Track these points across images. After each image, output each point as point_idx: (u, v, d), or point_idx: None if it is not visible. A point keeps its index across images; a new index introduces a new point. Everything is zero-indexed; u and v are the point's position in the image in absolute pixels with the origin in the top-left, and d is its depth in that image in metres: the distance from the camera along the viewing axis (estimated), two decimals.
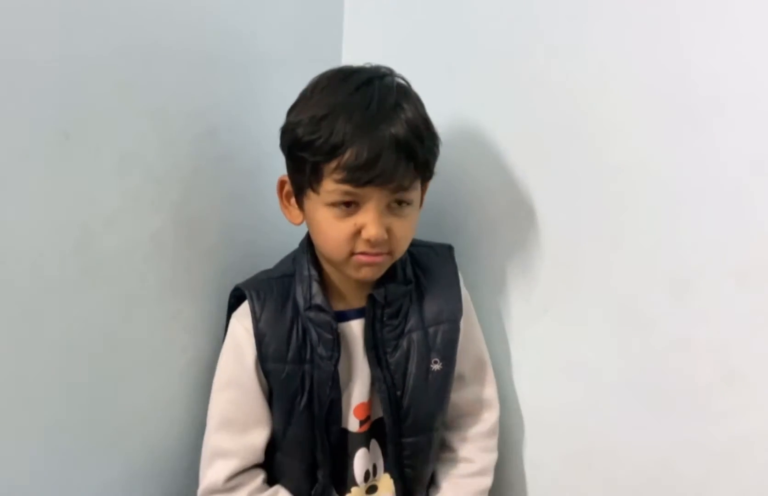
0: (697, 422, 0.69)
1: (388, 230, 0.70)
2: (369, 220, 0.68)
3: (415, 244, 0.82)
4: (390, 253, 0.72)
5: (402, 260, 0.78)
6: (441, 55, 0.87)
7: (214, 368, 0.80)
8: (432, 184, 0.83)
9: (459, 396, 0.84)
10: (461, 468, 0.84)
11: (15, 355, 0.65)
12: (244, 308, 0.76)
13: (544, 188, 0.79)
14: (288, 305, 0.76)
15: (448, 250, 0.84)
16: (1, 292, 0.63)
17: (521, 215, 0.82)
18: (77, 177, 0.68)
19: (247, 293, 0.76)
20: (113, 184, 0.71)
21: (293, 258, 0.80)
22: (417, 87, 0.75)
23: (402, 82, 0.73)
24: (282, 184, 0.76)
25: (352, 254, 0.71)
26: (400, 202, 0.70)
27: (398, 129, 0.66)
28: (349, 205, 0.69)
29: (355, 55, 0.86)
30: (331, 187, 0.68)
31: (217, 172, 0.83)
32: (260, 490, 0.77)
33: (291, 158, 0.72)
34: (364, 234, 0.69)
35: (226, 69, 0.82)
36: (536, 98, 0.78)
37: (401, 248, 0.73)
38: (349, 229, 0.69)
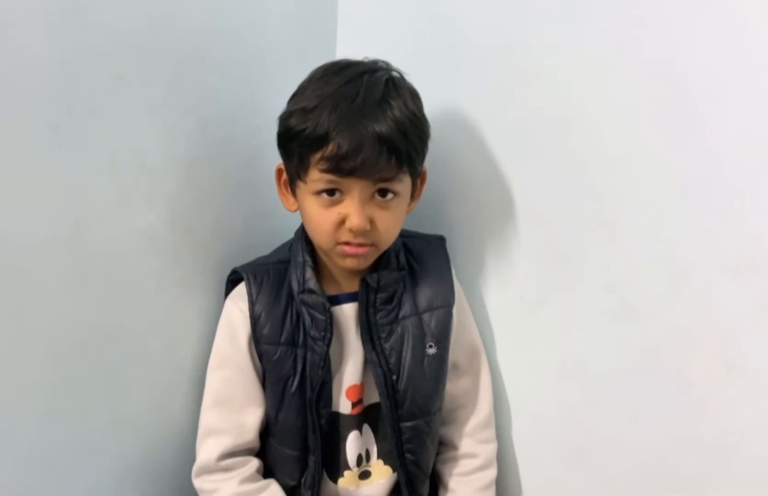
0: (694, 416, 0.69)
1: (372, 221, 0.72)
2: (352, 210, 0.70)
3: (407, 235, 0.84)
4: (374, 244, 0.74)
5: (395, 248, 0.80)
6: (435, 50, 0.87)
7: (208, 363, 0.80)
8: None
9: (455, 386, 0.85)
10: (465, 465, 0.84)
11: (7, 349, 0.65)
12: (240, 290, 0.79)
13: (539, 182, 0.79)
14: (283, 289, 0.78)
15: (440, 240, 0.86)
16: None
17: (516, 209, 0.81)
18: (69, 171, 0.67)
19: (244, 275, 0.78)
20: (106, 178, 0.71)
21: (289, 246, 0.82)
22: (411, 81, 0.75)
23: (396, 75, 0.74)
24: (280, 172, 0.79)
25: (337, 243, 0.73)
26: (384, 194, 0.72)
27: (381, 125, 0.68)
28: (334, 194, 0.71)
29: (349, 49, 0.85)
30: (316, 176, 0.70)
31: (211, 165, 0.82)
32: (252, 479, 0.77)
33: (282, 147, 0.75)
34: (347, 224, 0.71)
35: (219, 63, 0.81)
36: (532, 91, 0.78)
37: (385, 240, 0.75)
38: (333, 218, 0.71)
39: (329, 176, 0.69)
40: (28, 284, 0.66)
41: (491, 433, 0.86)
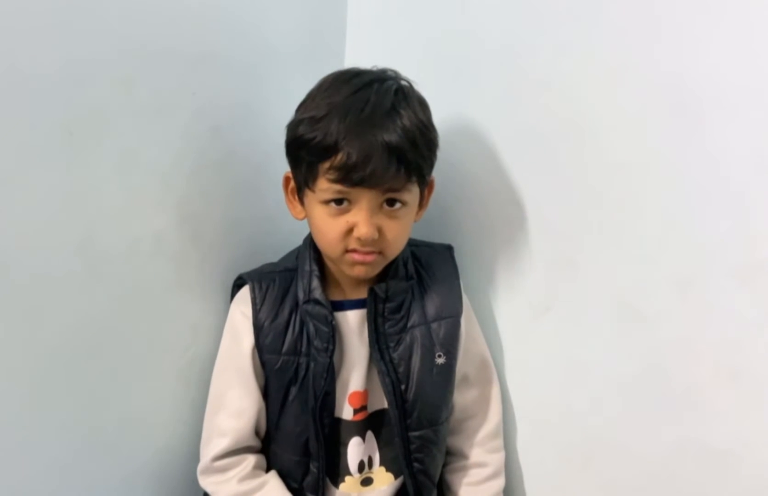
0: (699, 421, 0.69)
1: (380, 230, 0.72)
2: (360, 220, 0.71)
3: (415, 244, 0.84)
4: (381, 253, 0.74)
5: (404, 257, 0.80)
6: (444, 55, 0.87)
7: None
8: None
9: (464, 397, 0.85)
10: (476, 474, 0.84)
11: (17, 353, 0.65)
12: (244, 295, 0.79)
13: (545, 187, 0.79)
14: (288, 297, 0.78)
15: (448, 250, 0.86)
16: (3, 289, 0.63)
17: (523, 215, 0.82)
18: (80, 175, 0.68)
19: (249, 282, 0.79)
20: (116, 182, 0.71)
21: (297, 254, 0.82)
22: (419, 87, 0.76)
23: (405, 85, 0.74)
24: (287, 180, 0.78)
25: (346, 251, 0.73)
26: (393, 203, 0.72)
27: (391, 134, 0.68)
28: (342, 203, 0.71)
29: (358, 54, 0.86)
30: (324, 185, 0.70)
31: (220, 170, 0.83)
32: (250, 476, 0.77)
33: (290, 155, 0.75)
34: (355, 233, 0.71)
35: (228, 67, 0.82)
36: (539, 97, 0.78)
37: (393, 249, 0.75)
38: (341, 227, 0.72)
39: (338, 186, 0.69)
40: (37, 287, 0.66)
41: (500, 442, 0.86)
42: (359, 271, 0.74)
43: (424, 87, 0.76)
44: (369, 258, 0.73)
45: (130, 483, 0.78)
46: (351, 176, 0.68)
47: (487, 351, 0.86)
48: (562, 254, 0.79)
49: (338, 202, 0.71)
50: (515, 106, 0.81)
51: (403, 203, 0.73)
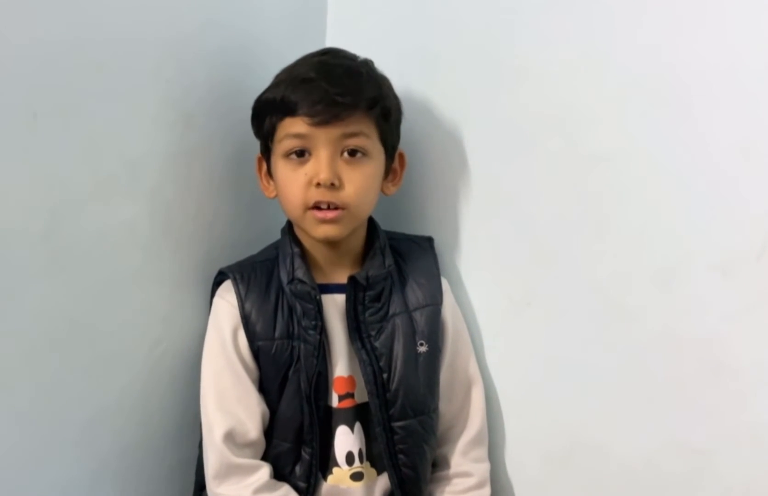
0: (683, 417, 0.68)
1: (341, 180, 0.73)
2: (319, 163, 0.73)
3: (395, 237, 0.84)
4: (345, 208, 0.74)
5: (382, 246, 0.80)
6: (423, 45, 0.86)
7: (189, 361, 0.80)
8: (413, 176, 0.83)
9: (446, 405, 0.83)
10: (460, 484, 0.82)
11: None
12: (227, 287, 0.79)
13: (526, 179, 0.78)
14: (272, 284, 0.78)
15: (428, 241, 0.86)
16: None
17: (503, 208, 0.81)
18: (46, 159, 0.66)
19: (230, 275, 0.78)
20: (84, 168, 0.69)
21: (276, 245, 0.82)
22: (399, 77, 0.76)
23: (370, 61, 0.78)
24: (260, 161, 0.81)
25: (308, 207, 0.74)
26: (354, 153, 0.74)
27: (344, 61, 0.75)
28: (303, 155, 0.74)
29: (337, 43, 0.84)
30: (283, 133, 0.74)
31: (193, 160, 0.81)
32: (266, 488, 0.74)
33: (255, 125, 0.78)
34: (315, 178, 0.72)
35: (203, 55, 0.80)
36: (519, 87, 0.77)
37: (356, 203, 0.75)
38: (302, 179, 0.74)
39: (296, 127, 0.72)
40: (0, 276, 0.64)
41: (483, 452, 0.84)
42: (325, 230, 0.75)
43: (403, 78, 0.76)
44: (331, 214, 0.73)
45: (98, 480, 0.76)
46: (303, 88, 0.72)
47: (472, 355, 0.84)
48: (542, 247, 0.78)
49: (299, 153, 0.73)
50: (495, 97, 0.80)
51: (364, 153, 0.74)
